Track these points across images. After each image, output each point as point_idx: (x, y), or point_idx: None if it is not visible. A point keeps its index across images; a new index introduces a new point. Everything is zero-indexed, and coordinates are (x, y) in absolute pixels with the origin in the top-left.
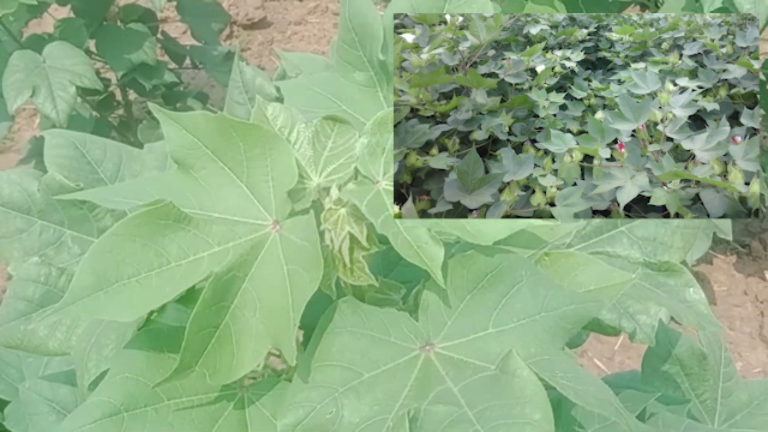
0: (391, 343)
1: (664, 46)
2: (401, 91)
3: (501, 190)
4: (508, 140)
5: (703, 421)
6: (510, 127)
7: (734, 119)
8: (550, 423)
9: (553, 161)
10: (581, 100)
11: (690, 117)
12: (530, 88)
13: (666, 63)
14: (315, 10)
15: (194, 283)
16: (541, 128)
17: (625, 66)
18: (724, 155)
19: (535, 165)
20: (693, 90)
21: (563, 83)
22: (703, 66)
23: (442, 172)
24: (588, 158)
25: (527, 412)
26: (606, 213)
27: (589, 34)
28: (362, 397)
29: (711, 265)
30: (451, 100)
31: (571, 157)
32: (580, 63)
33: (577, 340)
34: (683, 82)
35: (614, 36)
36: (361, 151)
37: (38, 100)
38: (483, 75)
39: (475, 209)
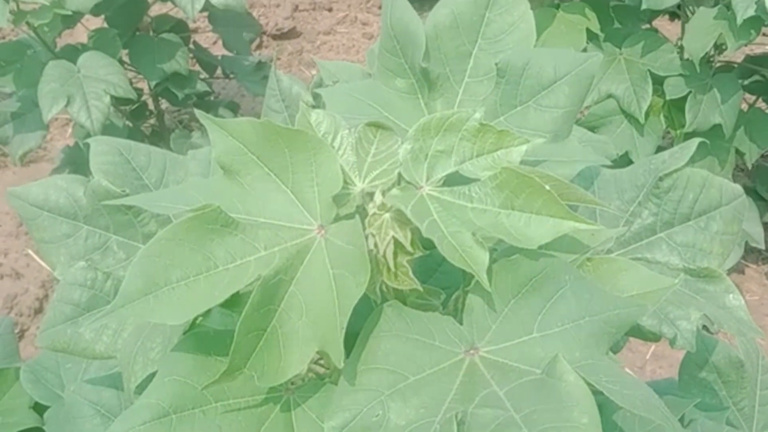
0: (436, 347)
1: None
2: None
3: None
4: None
5: (740, 428)
6: None
7: None
8: (597, 427)
9: None
10: None
11: None
12: None
13: None
14: (344, 21)
15: (241, 287)
16: None
17: None
18: None
19: None
20: None
21: None
22: None
23: None
24: None
25: (575, 415)
26: None
27: None
28: (408, 400)
29: (743, 274)
30: None
31: None
32: None
33: (615, 347)
34: None
35: None
36: (405, 156)
37: (73, 110)
38: None
39: None
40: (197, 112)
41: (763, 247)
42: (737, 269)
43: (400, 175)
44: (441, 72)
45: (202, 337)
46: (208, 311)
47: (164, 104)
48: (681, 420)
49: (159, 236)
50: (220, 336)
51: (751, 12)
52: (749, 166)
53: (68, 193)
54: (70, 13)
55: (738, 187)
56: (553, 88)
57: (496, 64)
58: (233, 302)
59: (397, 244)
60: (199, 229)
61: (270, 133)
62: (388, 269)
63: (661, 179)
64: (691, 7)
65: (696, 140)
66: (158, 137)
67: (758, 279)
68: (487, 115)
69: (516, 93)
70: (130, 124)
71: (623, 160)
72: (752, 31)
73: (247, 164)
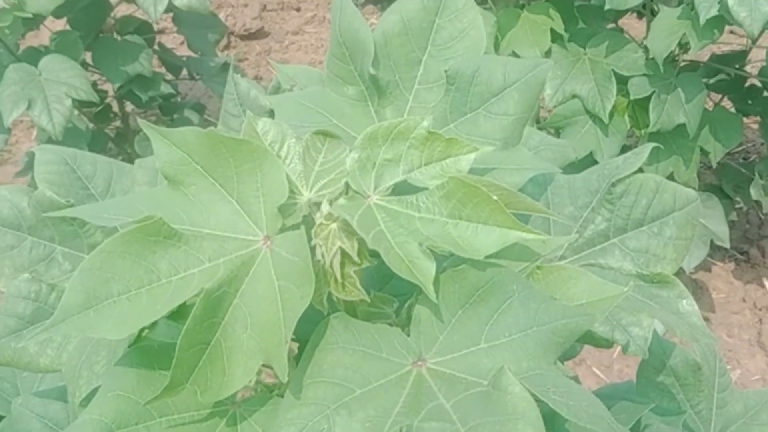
0: (383, 359)
1: None
2: None
3: None
4: None
5: (698, 431)
6: None
7: None
8: None
9: None
10: None
11: None
12: None
13: None
14: (312, 20)
15: (185, 300)
16: None
17: None
18: None
19: None
20: None
21: None
22: None
23: None
24: None
25: (519, 428)
26: None
27: None
28: (354, 413)
29: (709, 272)
30: None
31: None
32: None
33: (571, 351)
34: None
35: None
36: (352, 165)
37: (34, 113)
38: None
39: None
40: (140, 122)
41: (728, 245)
42: (703, 267)
43: (347, 184)
44: (391, 79)
45: (147, 351)
46: (154, 323)
47: (129, 106)
48: (637, 424)
49: (100, 248)
50: (164, 349)
51: (714, 12)
52: (714, 165)
53: (12, 203)
54: (30, 15)
55: (692, 192)
56: (503, 95)
57: (446, 71)
58: (179, 314)
59: (344, 254)
60: (141, 241)
61: (214, 142)
62: (336, 280)
63: (614, 185)
64: (656, 6)
65: (649, 145)
66: (123, 139)
67: (724, 277)
68: (437, 123)
69: (466, 100)
70: (94, 127)
71: (588, 161)
72: (715, 31)
73: (192, 174)
